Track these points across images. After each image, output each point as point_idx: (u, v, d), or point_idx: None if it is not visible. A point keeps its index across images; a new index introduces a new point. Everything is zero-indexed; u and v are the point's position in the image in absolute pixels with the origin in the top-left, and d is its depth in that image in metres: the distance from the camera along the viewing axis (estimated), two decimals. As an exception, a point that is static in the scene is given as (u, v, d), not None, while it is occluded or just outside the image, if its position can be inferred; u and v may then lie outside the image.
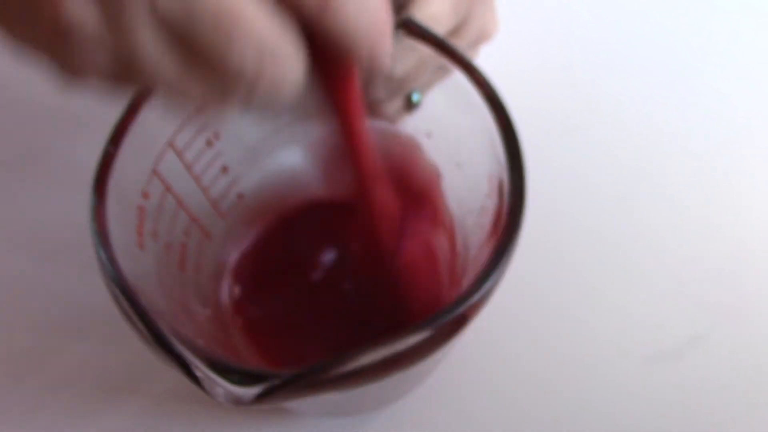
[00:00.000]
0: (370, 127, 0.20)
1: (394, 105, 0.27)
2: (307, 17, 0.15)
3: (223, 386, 0.17)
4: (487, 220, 0.22)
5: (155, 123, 0.22)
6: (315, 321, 0.26)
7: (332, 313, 0.26)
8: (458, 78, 0.22)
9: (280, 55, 0.15)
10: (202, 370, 0.17)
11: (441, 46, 0.23)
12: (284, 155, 0.29)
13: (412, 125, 0.26)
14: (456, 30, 0.27)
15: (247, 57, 0.14)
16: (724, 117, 0.36)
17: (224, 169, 0.26)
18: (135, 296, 0.17)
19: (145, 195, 0.22)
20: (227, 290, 0.27)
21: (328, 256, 0.27)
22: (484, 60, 0.31)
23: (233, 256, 0.28)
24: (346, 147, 0.20)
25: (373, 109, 0.27)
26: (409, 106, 0.27)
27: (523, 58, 0.37)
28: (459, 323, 0.17)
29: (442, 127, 0.25)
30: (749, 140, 0.36)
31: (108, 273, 0.18)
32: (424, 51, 0.24)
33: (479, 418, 0.29)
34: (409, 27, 0.23)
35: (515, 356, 0.30)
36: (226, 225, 0.27)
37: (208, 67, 0.15)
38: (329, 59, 0.16)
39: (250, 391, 0.16)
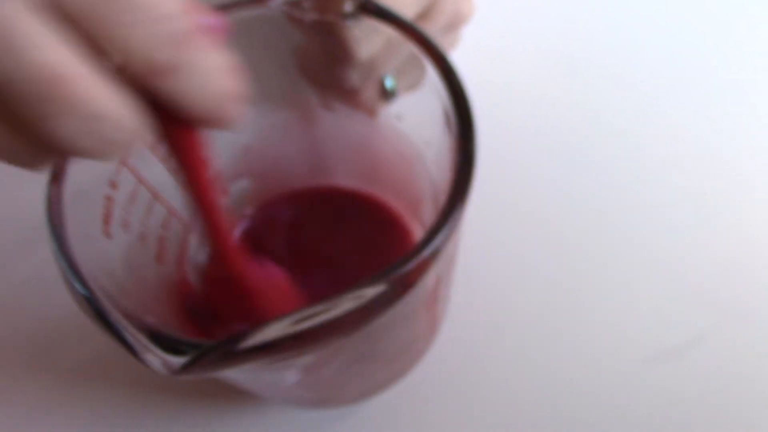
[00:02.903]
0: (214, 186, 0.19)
1: (370, 93, 0.27)
2: (146, 86, 0.14)
3: (157, 354, 0.17)
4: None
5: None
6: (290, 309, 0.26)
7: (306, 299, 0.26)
8: (415, 53, 0.22)
9: (110, 123, 0.14)
10: (138, 339, 0.17)
11: (397, 22, 0.23)
12: (271, 150, 0.29)
13: (383, 111, 0.26)
14: (426, 13, 0.27)
15: (72, 128, 0.13)
16: (724, 116, 0.35)
17: (204, 164, 0.27)
18: (78, 269, 0.18)
19: (113, 185, 0.22)
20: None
21: (306, 245, 0.27)
22: (468, 44, 0.31)
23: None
24: (193, 204, 0.19)
25: (350, 98, 0.28)
26: (385, 95, 0.27)
27: (509, 41, 0.36)
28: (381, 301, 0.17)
29: (410, 108, 0.25)
30: (749, 137, 0.34)
31: (54, 248, 0.18)
32: (388, 33, 0.24)
33: (473, 418, 0.28)
34: (366, 7, 0.23)
35: (514, 355, 0.29)
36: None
37: (25, 129, 0.14)
38: (171, 119, 0.16)
39: (180, 360, 0.16)
